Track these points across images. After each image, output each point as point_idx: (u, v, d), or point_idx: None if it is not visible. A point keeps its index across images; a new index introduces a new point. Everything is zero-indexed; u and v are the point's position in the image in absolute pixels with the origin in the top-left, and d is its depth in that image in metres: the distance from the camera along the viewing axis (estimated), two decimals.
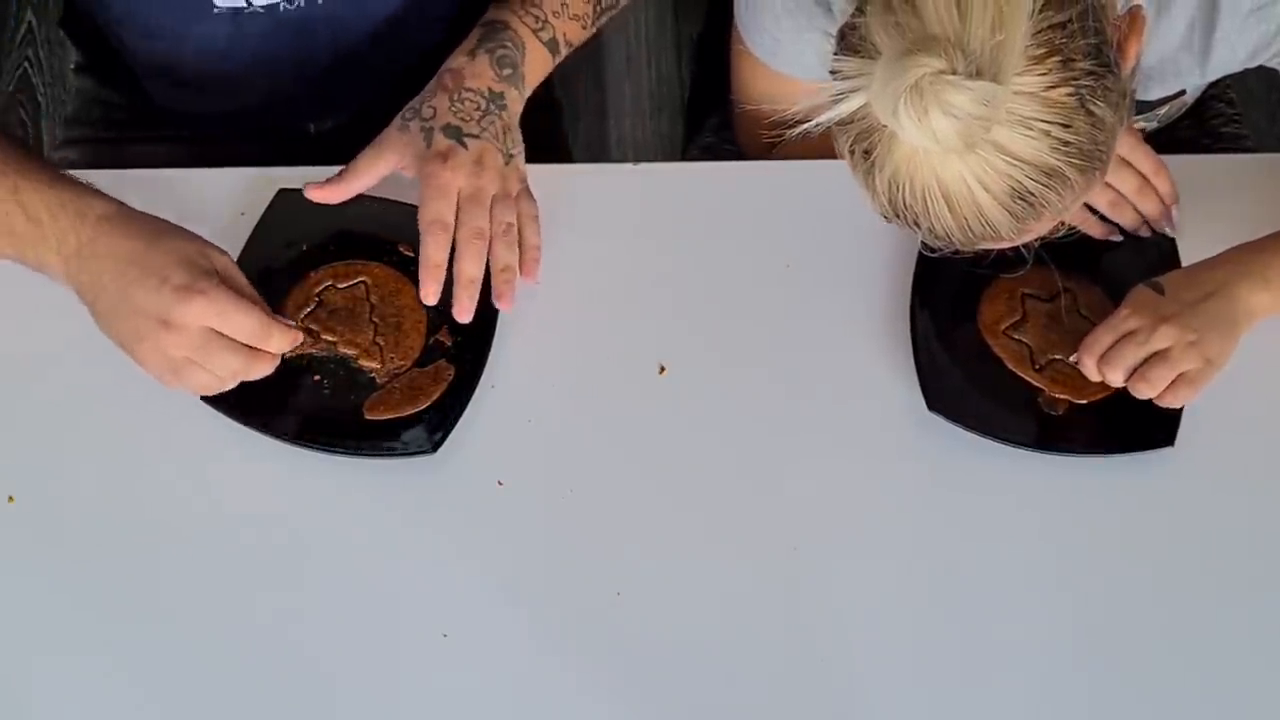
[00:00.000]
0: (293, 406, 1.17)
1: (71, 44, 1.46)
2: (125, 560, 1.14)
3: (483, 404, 1.17)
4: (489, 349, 1.19)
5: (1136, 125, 1.37)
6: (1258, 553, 1.15)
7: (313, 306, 1.19)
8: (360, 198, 1.19)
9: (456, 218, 1.15)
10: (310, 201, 1.18)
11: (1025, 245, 1.03)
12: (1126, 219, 1.24)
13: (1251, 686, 1.11)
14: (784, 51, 1.24)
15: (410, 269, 1.19)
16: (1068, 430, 1.18)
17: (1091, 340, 1.15)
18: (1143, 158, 1.23)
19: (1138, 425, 1.16)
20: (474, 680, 1.10)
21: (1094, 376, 1.16)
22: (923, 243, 1.00)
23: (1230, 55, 1.21)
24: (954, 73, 0.89)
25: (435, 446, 1.15)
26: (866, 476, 1.17)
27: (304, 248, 1.21)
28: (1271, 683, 1.11)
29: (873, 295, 1.24)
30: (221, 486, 1.16)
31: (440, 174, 1.14)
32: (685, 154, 1.55)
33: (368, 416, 1.16)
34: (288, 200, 1.22)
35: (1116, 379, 1.14)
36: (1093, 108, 0.94)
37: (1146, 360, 1.13)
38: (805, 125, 0.94)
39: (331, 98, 1.36)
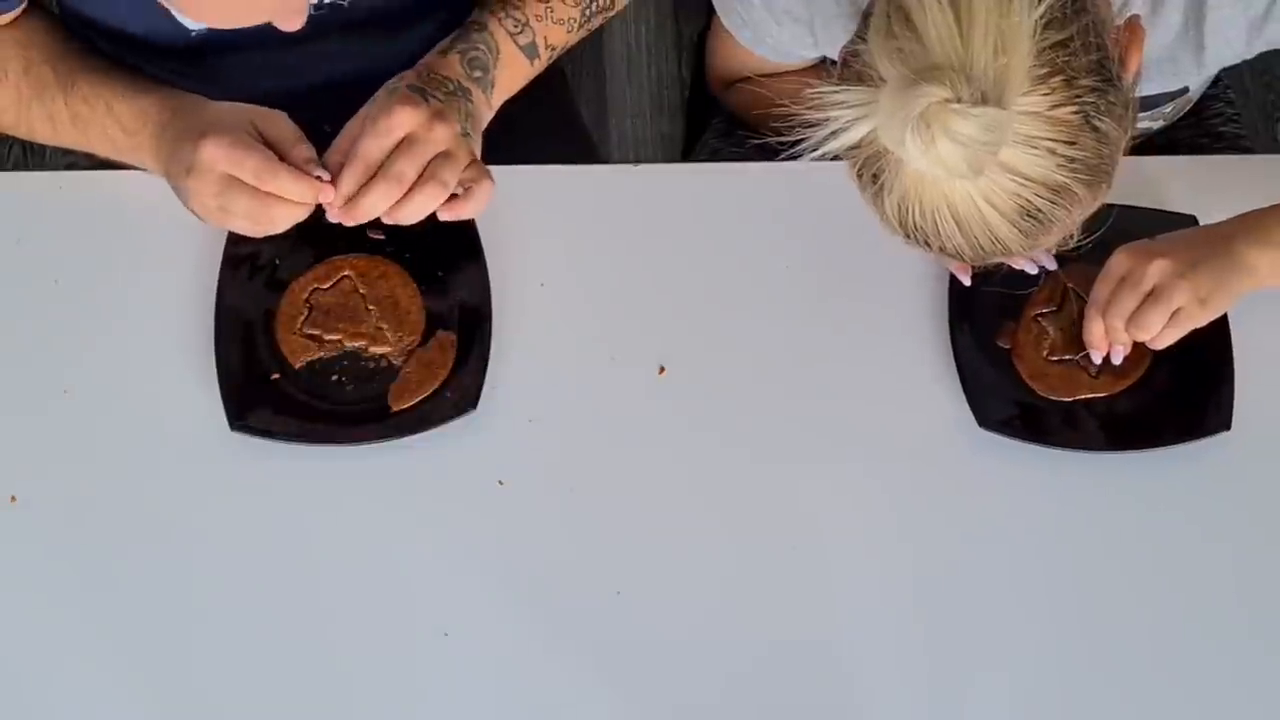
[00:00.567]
0: (323, 413, 1.18)
1: None
2: (126, 560, 1.14)
3: (483, 404, 1.17)
4: (489, 296, 1.19)
5: (1141, 124, 1.37)
6: None
7: (306, 314, 1.20)
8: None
9: (389, 157, 1.11)
10: None
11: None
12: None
13: None
14: (764, 41, 1.27)
15: (385, 251, 1.20)
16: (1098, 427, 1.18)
17: (1092, 298, 1.15)
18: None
19: (1189, 412, 1.16)
20: (474, 679, 1.11)
21: (1098, 337, 1.15)
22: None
23: (1225, 46, 1.21)
24: (959, 100, 0.89)
25: (475, 403, 1.17)
26: (867, 476, 1.18)
27: (276, 263, 1.21)
28: None
29: (872, 295, 1.24)
30: (222, 486, 1.16)
31: (392, 112, 1.09)
32: (688, 156, 1.55)
33: (394, 408, 1.17)
34: None
35: (1118, 327, 1.13)
36: (1097, 123, 0.95)
37: (1141, 304, 1.13)
38: (813, 155, 0.95)
39: (329, 105, 1.35)
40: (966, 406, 1.18)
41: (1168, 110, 1.35)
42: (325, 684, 1.10)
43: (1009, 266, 1.12)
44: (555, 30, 1.22)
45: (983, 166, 0.91)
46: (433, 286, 1.20)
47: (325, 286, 1.21)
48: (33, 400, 1.19)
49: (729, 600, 1.13)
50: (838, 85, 0.94)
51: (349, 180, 1.10)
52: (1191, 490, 1.17)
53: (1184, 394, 1.17)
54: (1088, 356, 1.17)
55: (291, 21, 1.00)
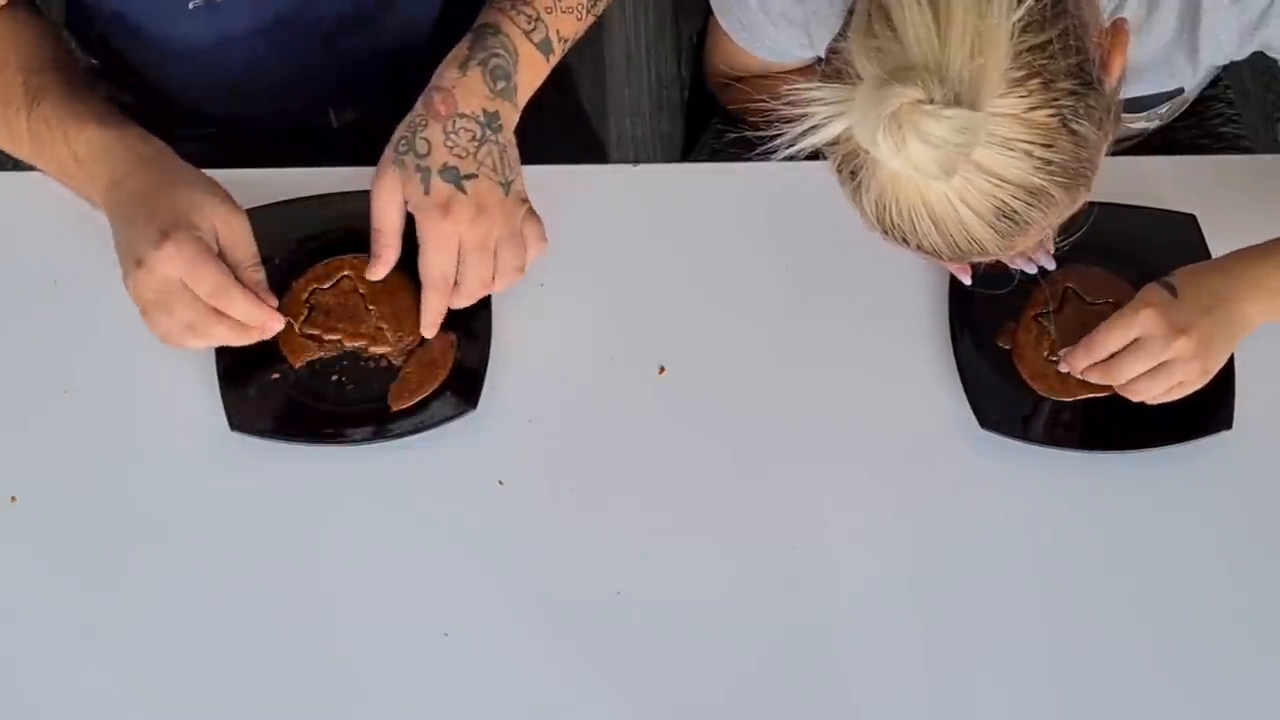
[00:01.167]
0: (324, 413, 1.18)
1: (80, 49, 1.46)
2: (125, 560, 1.14)
3: (483, 404, 1.17)
4: (489, 296, 1.19)
5: (1137, 125, 1.37)
6: None
7: (306, 314, 1.20)
8: (314, 198, 1.22)
9: (459, 269, 1.15)
10: (269, 218, 1.20)
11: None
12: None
13: None
14: (762, 42, 1.27)
15: None
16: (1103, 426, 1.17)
17: (1101, 339, 1.13)
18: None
19: (1190, 411, 1.15)
20: (474, 679, 1.11)
21: (1080, 369, 1.14)
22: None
23: (1218, 48, 1.21)
24: (931, 101, 0.89)
25: (475, 403, 1.17)
26: (867, 476, 1.18)
27: (276, 262, 1.21)
28: None
29: (872, 296, 1.24)
30: (222, 487, 1.17)
31: (442, 228, 1.13)
32: (688, 156, 1.55)
33: (394, 408, 1.17)
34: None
35: (1117, 381, 1.13)
36: (1075, 127, 0.95)
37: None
38: (790, 150, 0.95)
39: (333, 93, 1.36)
40: (967, 406, 1.18)
41: (1163, 110, 1.36)
42: (325, 684, 1.10)
43: (1002, 267, 1.12)
44: (565, 20, 1.21)
45: (954, 168, 0.92)
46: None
47: (325, 286, 1.21)
48: (33, 400, 1.19)
49: (729, 600, 1.13)
50: (816, 82, 0.94)
51: (435, 303, 1.16)
52: (1192, 490, 1.17)
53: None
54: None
55: None
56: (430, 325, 1.18)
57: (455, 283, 1.15)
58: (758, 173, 1.23)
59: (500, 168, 1.15)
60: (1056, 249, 1.04)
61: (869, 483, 1.17)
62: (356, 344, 1.19)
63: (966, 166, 0.92)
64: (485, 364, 1.18)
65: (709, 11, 1.33)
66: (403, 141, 1.14)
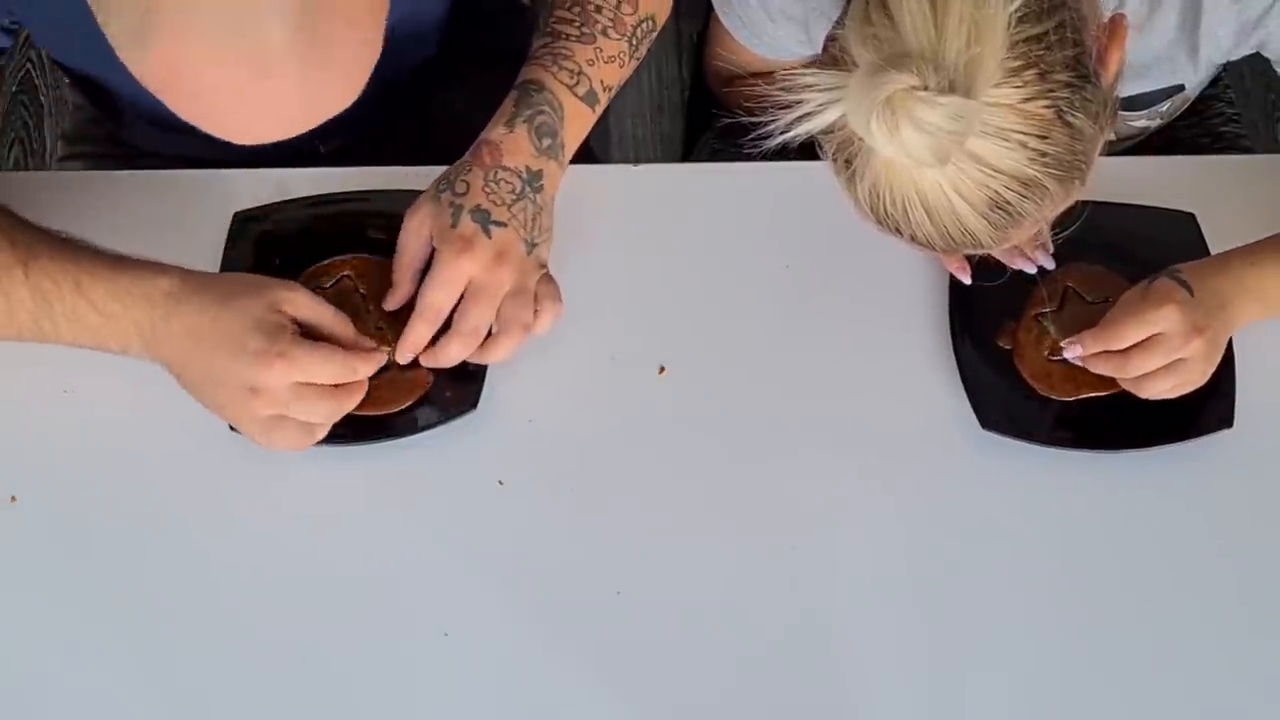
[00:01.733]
0: None
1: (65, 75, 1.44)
2: (125, 560, 1.14)
3: (483, 404, 1.17)
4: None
5: (1139, 124, 1.37)
6: None
7: None
8: (314, 198, 1.22)
9: (458, 306, 1.13)
10: (269, 218, 1.20)
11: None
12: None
13: None
14: (761, 39, 1.28)
15: (383, 250, 1.19)
16: (1101, 426, 1.17)
17: (1119, 329, 1.12)
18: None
19: (1190, 409, 1.15)
20: (474, 679, 1.10)
21: (1089, 351, 1.13)
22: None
23: (1216, 45, 1.21)
24: (925, 88, 0.89)
25: (475, 403, 1.17)
26: (867, 476, 1.18)
27: (276, 263, 1.21)
28: None
29: (872, 295, 1.24)
30: (222, 487, 1.16)
31: (455, 262, 1.12)
32: (688, 156, 1.55)
33: (394, 408, 1.16)
34: (245, 224, 1.23)
35: (1127, 374, 1.13)
36: (1071, 119, 0.95)
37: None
38: (784, 136, 0.95)
39: (320, 130, 1.35)
40: (968, 406, 1.18)
41: (1165, 108, 1.36)
42: (325, 684, 1.10)
43: (997, 259, 1.12)
44: (608, 70, 1.20)
45: (948, 155, 0.92)
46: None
47: (325, 286, 1.21)
48: (33, 400, 1.19)
49: (729, 600, 1.13)
50: (812, 68, 0.95)
51: (421, 331, 1.13)
52: (1194, 488, 1.17)
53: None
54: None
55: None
56: (405, 351, 1.14)
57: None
58: (758, 173, 1.23)
59: (531, 227, 1.14)
60: (1066, 243, 1.04)
61: (869, 483, 1.17)
62: None
63: (960, 156, 0.92)
64: (485, 363, 1.18)
65: (709, 11, 1.34)
66: (444, 181, 1.15)
